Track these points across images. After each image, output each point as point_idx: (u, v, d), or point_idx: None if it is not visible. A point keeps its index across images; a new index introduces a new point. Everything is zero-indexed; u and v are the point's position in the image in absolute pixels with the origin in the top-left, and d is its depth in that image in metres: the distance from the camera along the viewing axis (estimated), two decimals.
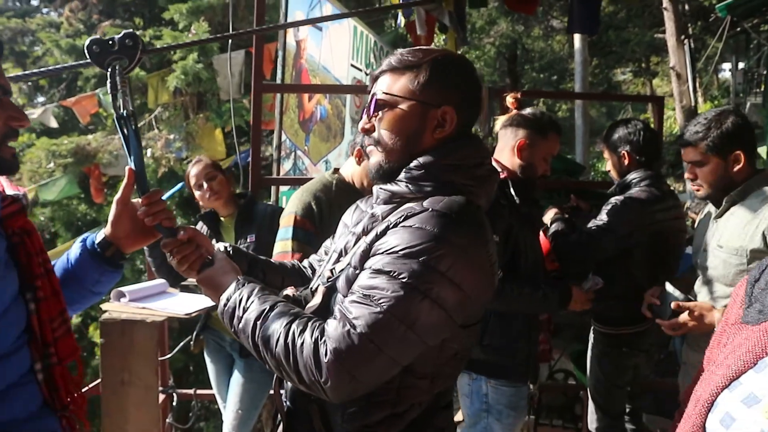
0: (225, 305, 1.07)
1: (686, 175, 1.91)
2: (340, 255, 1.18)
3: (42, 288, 1.09)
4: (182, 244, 1.18)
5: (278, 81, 3.68)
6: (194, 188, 2.75)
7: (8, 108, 1.04)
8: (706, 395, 0.84)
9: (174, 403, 3.28)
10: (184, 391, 3.39)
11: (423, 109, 1.11)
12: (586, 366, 2.67)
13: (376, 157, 1.14)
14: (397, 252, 0.98)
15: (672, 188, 2.64)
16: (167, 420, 3.28)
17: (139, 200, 1.24)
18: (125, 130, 1.23)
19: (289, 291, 1.23)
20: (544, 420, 3.48)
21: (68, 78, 7.50)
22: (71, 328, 1.17)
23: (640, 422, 2.70)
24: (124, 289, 2.57)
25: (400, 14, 4.95)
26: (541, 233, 2.39)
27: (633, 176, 2.34)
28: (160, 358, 3.17)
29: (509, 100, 2.30)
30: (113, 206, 1.25)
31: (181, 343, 2.93)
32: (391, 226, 1.04)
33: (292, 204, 1.99)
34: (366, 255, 1.04)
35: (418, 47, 1.16)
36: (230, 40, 3.50)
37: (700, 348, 1.70)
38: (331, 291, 1.13)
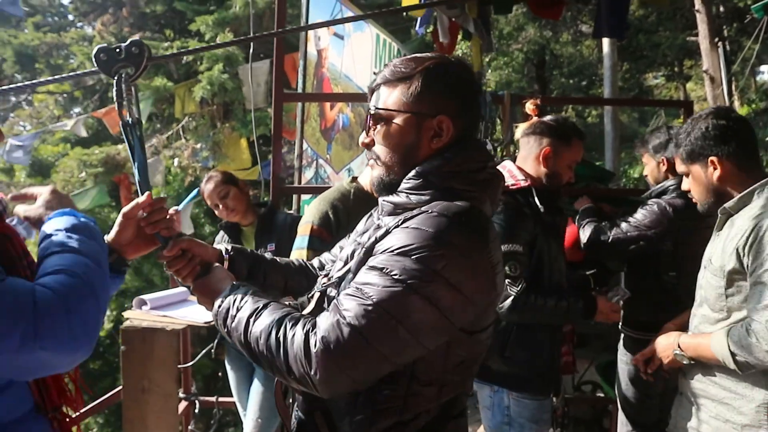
0: (219, 307, 1.08)
1: (683, 187, 1.77)
2: (345, 262, 1.17)
3: None
4: (174, 257, 1.20)
5: (299, 90, 3.69)
6: (211, 207, 2.80)
7: None
8: None
9: (196, 411, 3.31)
10: (206, 398, 3.41)
11: (418, 120, 1.10)
12: (613, 378, 2.60)
13: (376, 170, 1.15)
14: (393, 251, 0.98)
15: None
16: (189, 427, 3.31)
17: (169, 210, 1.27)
18: (130, 138, 1.24)
19: (288, 300, 1.25)
20: None
21: (100, 90, 7.71)
22: None
23: None
24: (145, 297, 2.61)
25: (417, 24, 4.94)
26: (569, 222, 2.40)
27: (670, 183, 2.36)
28: (182, 366, 3.21)
29: (529, 106, 2.28)
30: (119, 217, 1.27)
31: (203, 351, 2.96)
32: (390, 229, 1.04)
33: (309, 213, 1.99)
34: (365, 259, 1.04)
35: (412, 56, 1.15)
36: (251, 50, 3.53)
37: (693, 376, 1.63)
38: (324, 296, 1.14)
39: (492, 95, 3.14)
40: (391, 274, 0.96)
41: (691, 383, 1.63)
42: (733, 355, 1.42)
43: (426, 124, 1.10)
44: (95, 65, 1.26)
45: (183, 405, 3.26)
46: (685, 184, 1.74)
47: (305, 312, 1.12)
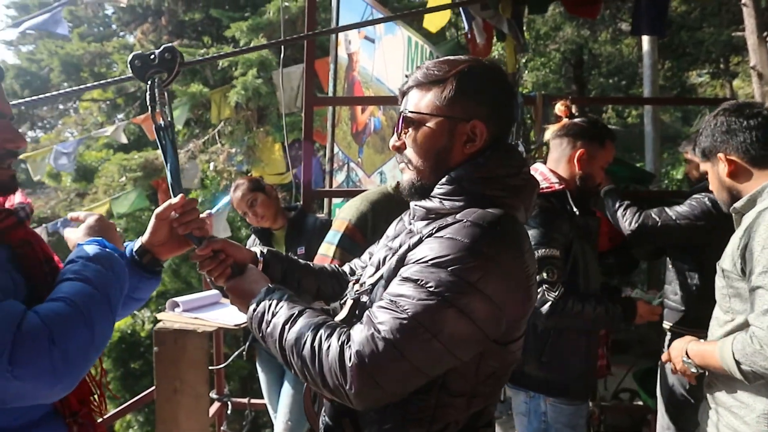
0: (254, 310, 1.08)
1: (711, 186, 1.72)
2: (377, 268, 1.17)
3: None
4: (206, 257, 1.21)
5: (330, 94, 3.71)
6: (241, 215, 2.86)
7: (4, 131, 1.06)
8: None
9: (229, 412, 3.36)
10: (239, 399, 3.46)
11: (451, 125, 1.08)
12: (651, 386, 2.52)
13: (408, 174, 1.13)
14: (427, 262, 0.97)
15: None
16: (222, 428, 3.36)
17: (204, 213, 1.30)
18: (163, 141, 1.27)
19: (319, 305, 1.25)
20: None
21: (141, 96, 7.94)
22: None
23: None
24: (178, 299, 2.66)
25: (464, 21, 4.89)
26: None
27: None
28: (215, 367, 3.26)
29: (559, 107, 2.23)
30: (152, 218, 1.29)
31: (234, 354, 3.00)
32: (424, 237, 1.03)
33: (348, 210, 1.97)
34: (398, 267, 1.03)
35: (445, 59, 1.12)
36: (282, 54, 3.56)
37: (710, 382, 1.56)
38: (357, 303, 1.13)
39: (524, 96, 3.09)
40: (426, 286, 0.94)
41: (710, 389, 1.58)
42: (738, 364, 1.35)
43: (459, 129, 1.08)
44: (130, 71, 1.29)
45: (216, 406, 3.31)
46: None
47: (338, 319, 1.11)
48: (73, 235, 1.20)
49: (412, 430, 1.05)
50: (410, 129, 1.11)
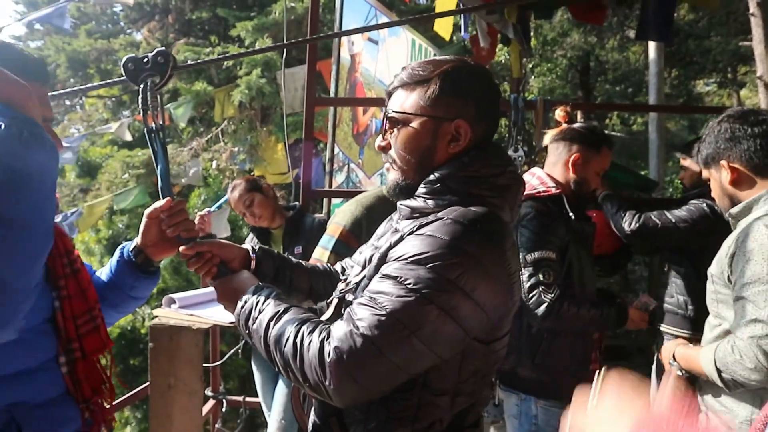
0: (242, 307, 1.10)
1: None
2: (363, 267, 1.18)
3: (66, 287, 1.16)
4: (191, 257, 1.24)
5: (332, 95, 3.72)
6: (240, 215, 2.88)
7: (50, 134, 1.10)
8: None
9: (224, 409, 3.36)
10: (234, 398, 3.46)
11: (435, 125, 1.08)
12: None
13: (393, 174, 1.14)
14: (407, 259, 0.97)
15: None
16: (216, 425, 3.36)
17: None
18: (155, 144, 1.28)
19: (307, 305, 1.26)
20: None
21: None
22: (100, 326, 1.24)
23: None
24: (175, 295, 2.66)
25: (462, 29, 4.89)
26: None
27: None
28: (211, 365, 3.26)
29: (559, 113, 2.26)
30: (143, 218, 1.32)
31: (230, 351, 3.00)
32: (405, 235, 1.03)
33: (342, 214, 1.97)
34: (380, 265, 1.04)
35: (431, 59, 1.13)
36: (284, 55, 3.57)
37: (700, 387, 1.57)
38: (342, 302, 1.14)
39: (525, 101, 3.10)
40: (405, 283, 0.94)
41: (701, 392, 1.58)
42: (718, 372, 1.36)
43: (443, 128, 1.08)
44: (123, 74, 1.31)
45: (211, 403, 3.31)
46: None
47: (324, 317, 1.12)
48: None
49: (397, 428, 1.06)
50: (395, 129, 1.12)
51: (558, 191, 1.99)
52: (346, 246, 1.88)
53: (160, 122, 1.29)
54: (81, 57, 8.45)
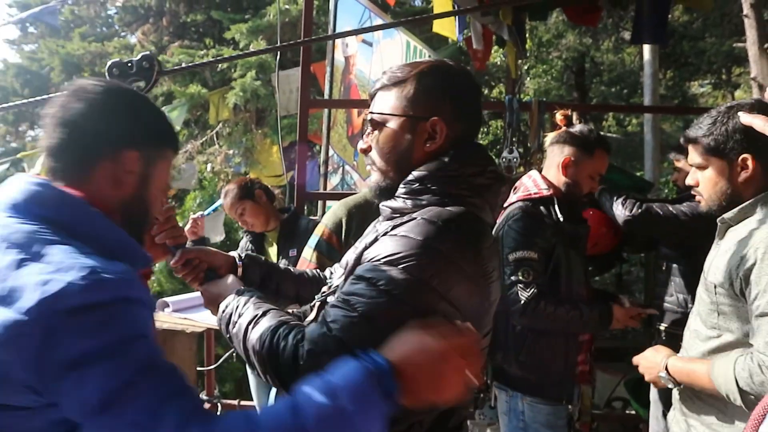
0: (223, 311, 1.10)
1: (687, 181, 1.56)
2: (345, 269, 1.16)
3: None
4: (179, 265, 1.25)
5: (326, 97, 3.71)
6: (234, 219, 2.89)
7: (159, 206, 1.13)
8: None
9: (218, 413, 3.33)
10: (229, 401, 3.43)
11: (411, 124, 1.08)
12: (642, 395, 2.50)
13: (374, 176, 1.14)
14: (380, 260, 0.96)
15: None
16: None
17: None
18: None
19: (292, 309, 1.27)
20: None
21: None
22: None
23: None
24: (168, 299, 2.66)
25: (457, 30, 4.89)
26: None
27: None
28: (206, 368, 3.24)
29: (558, 116, 2.25)
30: None
31: (225, 355, 2.99)
32: (380, 236, 1.03)
33: (327, 216, 2.03)
34: (356, 266, 1.03)
35: (411, 62, 1.14)
36: (278, 57, 3.56)
37: (682, 394, 1.50)
38: (324, 305, 1.13)
39: (520, 103, 3.09)
40: (378, 284, 0.93)
41: (681, 400, 1.51)
42: (741, 392, 1.26)
43: (420, 127, 1.08)
44: (108, 79, 1.31)
45: (205, 407, 3.28)
46: (691, 179, 1.52)
47: (306, 321, 1.12)
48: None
49: None
50: (375, 131, 1.12)
51: (549, 193, 2.01)
52: (327, 244, 1.92)
53: None
54: (75, 60, 8.43)
